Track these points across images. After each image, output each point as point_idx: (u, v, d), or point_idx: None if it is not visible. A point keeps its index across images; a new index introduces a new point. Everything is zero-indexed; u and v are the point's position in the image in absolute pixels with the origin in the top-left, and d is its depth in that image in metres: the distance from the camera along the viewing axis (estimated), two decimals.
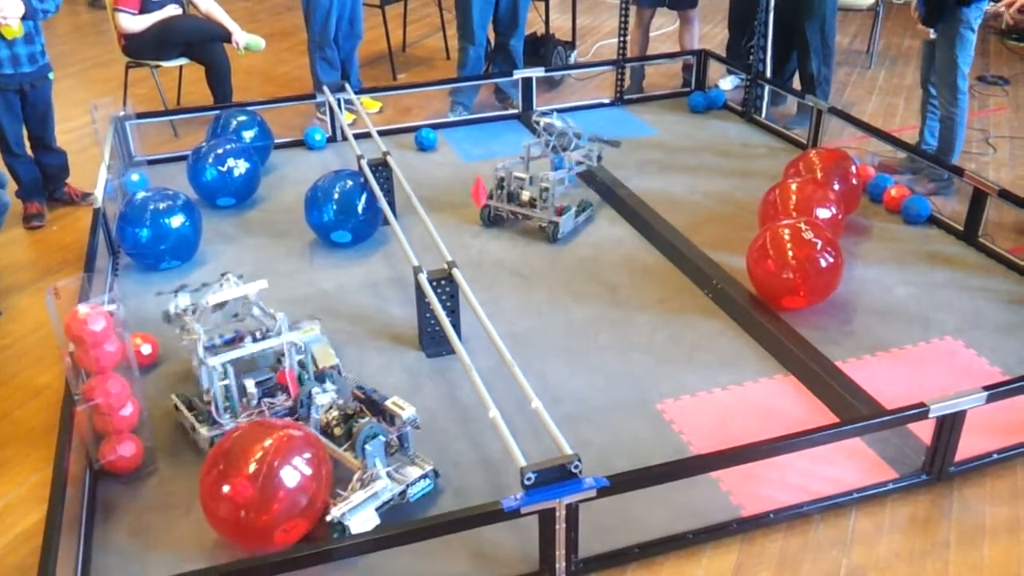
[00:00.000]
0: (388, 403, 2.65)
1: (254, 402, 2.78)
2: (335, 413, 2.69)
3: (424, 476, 2.59)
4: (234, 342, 2.84)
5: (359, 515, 2.41)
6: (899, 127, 5.23)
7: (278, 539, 2.32)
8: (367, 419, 2.61)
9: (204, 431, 2.72)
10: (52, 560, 2.17)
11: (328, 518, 2.38)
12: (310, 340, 2.90)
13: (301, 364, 2.86)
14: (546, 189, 3.96)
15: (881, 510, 2.59)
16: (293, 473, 2.31)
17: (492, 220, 4.13)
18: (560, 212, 3.99)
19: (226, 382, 2.74)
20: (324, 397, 2.73)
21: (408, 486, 2.55)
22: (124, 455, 2.67)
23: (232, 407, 2.76)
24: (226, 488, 2.29)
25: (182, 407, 2.84)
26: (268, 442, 2.34)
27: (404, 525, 2.22)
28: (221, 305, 2.86)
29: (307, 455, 2.36)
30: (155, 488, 2.68)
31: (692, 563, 2.43)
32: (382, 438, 2.54)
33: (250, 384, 2.78)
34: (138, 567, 2.41)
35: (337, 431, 2.65)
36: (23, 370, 3.29)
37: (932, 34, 4.09)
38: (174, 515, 2.57)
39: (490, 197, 4.09)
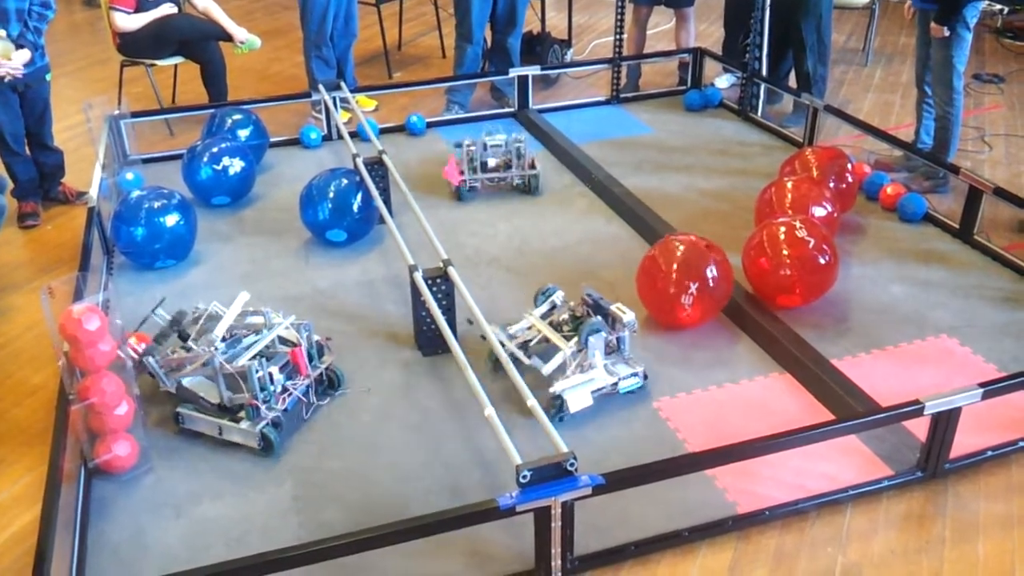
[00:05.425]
0: (612, 307, 2.99)
1: (278, 388, 2.82)
2: (566, 315, 3.08)
3: (634, 374, 2.97)
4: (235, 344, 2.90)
5: (576, 392, 2.84)
6: (895, 125, 5.24)
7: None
8: (594, 319, 2.97)
9: (246, 425, 2.75)
10: (47, 560, 2.16)
11: (551, 390, 2.83)
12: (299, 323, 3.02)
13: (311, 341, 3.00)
14: (521, 142, 4.36)
15: (876, 507, 2.59)
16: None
17: (468, 193, 4.39)
18: (531, 165, 4.40)
19: (260, 374, 2.76)
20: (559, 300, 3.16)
21: (620, 380, 2.93)
22: (119, 454, 2.66)
23: (268, 397, 2.78)
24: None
25: (200, 415, 2.82)
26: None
27: (399, 524, 2.21)
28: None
29: None
30: (150, 488, 2.67)
31: (688, 561, 2.43)
32: (603, 334, 2.90)
33: (275, 371, 2.81)
34: (133, 567, 2.41)
35: (566, 329, 3.02)
36: (18, 369, 3.28)
37: (946, 32, 4.09)
38: (169, 515, 2.57)
39: (461, 172, 4.34)
